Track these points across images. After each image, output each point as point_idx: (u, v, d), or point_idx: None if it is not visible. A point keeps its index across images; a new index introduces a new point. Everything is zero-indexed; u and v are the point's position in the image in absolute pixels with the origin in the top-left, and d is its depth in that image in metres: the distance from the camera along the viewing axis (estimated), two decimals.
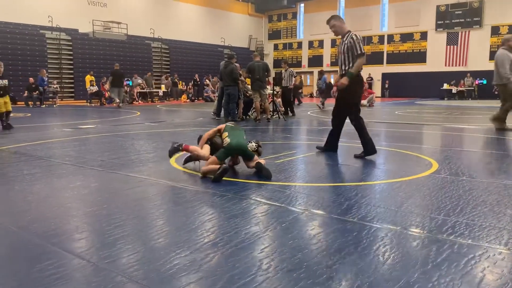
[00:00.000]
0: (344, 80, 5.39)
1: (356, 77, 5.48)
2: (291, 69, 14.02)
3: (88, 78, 21.43)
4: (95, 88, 21.08)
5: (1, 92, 9.07)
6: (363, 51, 5.42)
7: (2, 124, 9.06)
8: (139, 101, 22.69)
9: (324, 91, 18.07)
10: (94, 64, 23.60)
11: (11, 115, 9.47)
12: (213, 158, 4.50)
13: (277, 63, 35.71)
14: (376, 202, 3.45)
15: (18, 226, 2.88)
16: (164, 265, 2.23)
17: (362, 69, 5.56)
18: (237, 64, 11.42)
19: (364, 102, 19.54)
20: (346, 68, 5.49)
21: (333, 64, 34.06)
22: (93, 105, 20.67)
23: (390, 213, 3.14)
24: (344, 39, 5.53)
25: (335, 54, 34.01)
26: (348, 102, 5.62)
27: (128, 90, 21.96)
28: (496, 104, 20.54)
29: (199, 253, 2.39)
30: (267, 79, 11.63)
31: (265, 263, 2.26)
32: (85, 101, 22.03)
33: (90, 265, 2.25)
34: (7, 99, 9.22)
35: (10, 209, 3.32)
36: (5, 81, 9.23)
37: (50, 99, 20.45)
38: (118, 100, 18.38)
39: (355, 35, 5.45)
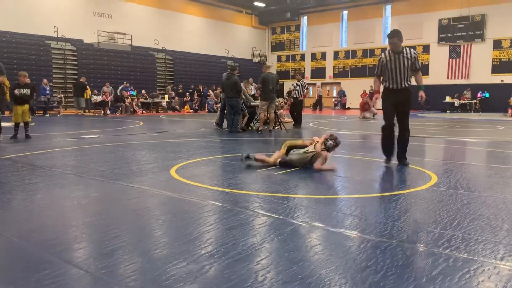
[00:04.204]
0: (423, 93, 5.89)
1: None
2: (304, 80, 14.16)
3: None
4: (98, 98, 21.22)
5: (20, 100, 9.14)
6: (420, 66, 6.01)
7: (16, 132, 9.06)
8: (143, 111, 22.80)
9: None
10: (99, 75, 23.75)
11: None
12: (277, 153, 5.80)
13: (280, 74, 35.86)
14: (374, 215, 3.47)
15: (18, 235, 2.91)
16: (160, 275, 2.25)
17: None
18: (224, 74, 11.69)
19: (367, 114, 19.60)
20: (408, 82, 5.86)
21: (335, 76, 34.20)
22: (96, 114, 20.81)
23: (387, 226, 3.15)
24: (405, 54, 5.81)
25: (337, 66, 34.14)
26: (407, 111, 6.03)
27: (130, 101, 22.12)
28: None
29: (195, 264, 2.41)
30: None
31: (260, 275, 2.27)
32: (87, 111, 22.10)
33: (88, 275, 2.28)
34: (26, 108, 9.26)
35: (11, 218, 3.35)
36: (27, 91, 9.27)
37: (54, 109, 20.61)
38: (80, 108, 20.62)
39: (414, 50, 5.94)
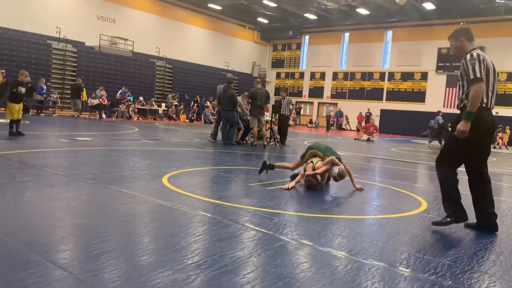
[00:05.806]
0: (462, 127, 3.70)
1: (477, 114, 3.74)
2: (289, 97, 14.42)
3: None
4: (95, 101, 21.20)
5: (17, 98, 9.21)
6: (478, 75, 3.74)
7: (13, 129, 9.04)
8: (139, 117, 22.79)
9: (436, 130, 19.60)
10: (97, 77, 23.78)
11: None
12: (297, 159, 6.14)
13: (278, 91, 36.11)
14: (362, 237, 3.48)
15: (4, 233, 2.89)
16: (145, 282, 2.24)
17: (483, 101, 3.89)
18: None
19: (364, 137, 19.74)
20: (463, 99, 3.95)
21: (333, 96, 34.45)
22: (91, 117, 20.77)
23: (375, 249, 3.16)
24: (463, 59, 3.96)
25: (335, 87, 34.44)
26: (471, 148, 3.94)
27: (127, 106, 22.14)
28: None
29: (181, 273, 2.40)
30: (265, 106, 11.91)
31: None
32: (82, 113, 22.04)
33: (72, 277, 2.26)
34: (21, 106, 9.31)
35: None
36: (23, 89, 9.34)
37: (50, 108, 20.54)
38: (75, 110, 20.51)
39: (471, 53, 3.87)
